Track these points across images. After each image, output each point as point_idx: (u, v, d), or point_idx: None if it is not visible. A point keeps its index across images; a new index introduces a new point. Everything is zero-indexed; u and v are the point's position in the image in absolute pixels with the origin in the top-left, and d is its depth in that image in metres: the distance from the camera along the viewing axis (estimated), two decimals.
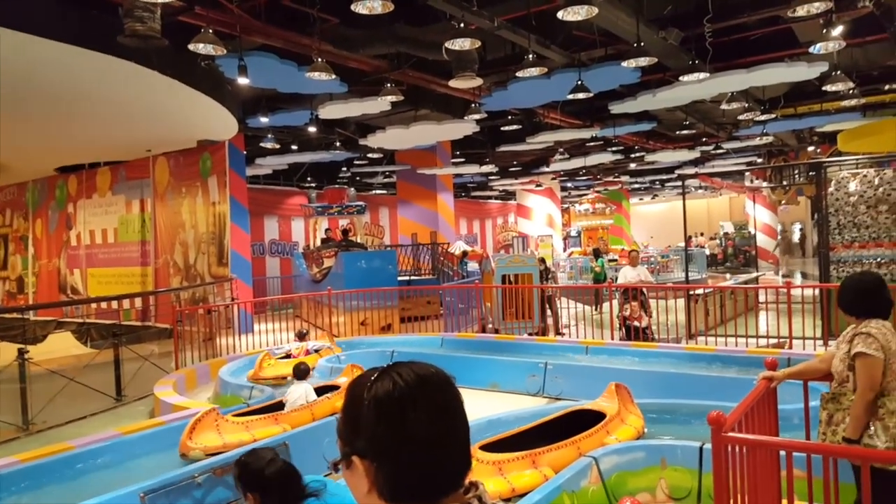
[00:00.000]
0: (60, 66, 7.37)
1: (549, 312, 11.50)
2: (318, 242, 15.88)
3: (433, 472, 0.97)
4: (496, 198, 34.07)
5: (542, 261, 12.55)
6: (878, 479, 2.73)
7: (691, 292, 10.40)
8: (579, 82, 9.66)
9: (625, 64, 8.47)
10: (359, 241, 15.59)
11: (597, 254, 17.25)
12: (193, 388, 8.55)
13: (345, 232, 15.83)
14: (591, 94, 10.23)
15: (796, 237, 33.85)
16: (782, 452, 3.11)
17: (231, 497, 4.51)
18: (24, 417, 7.43)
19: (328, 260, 14.48)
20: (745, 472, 2.97)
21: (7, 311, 16.47)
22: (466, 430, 1.04)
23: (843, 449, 3.12)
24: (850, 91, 11.47)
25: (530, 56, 8.37)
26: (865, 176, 9.16)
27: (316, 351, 8.87)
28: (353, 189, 15.84)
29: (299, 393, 6.43)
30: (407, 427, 0.95)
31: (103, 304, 13.18)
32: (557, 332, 11.42)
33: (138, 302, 14.20)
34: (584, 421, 5.18)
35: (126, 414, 7.90)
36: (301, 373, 6.65)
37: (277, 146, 14.88)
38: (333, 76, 8.30)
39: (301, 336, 9.48)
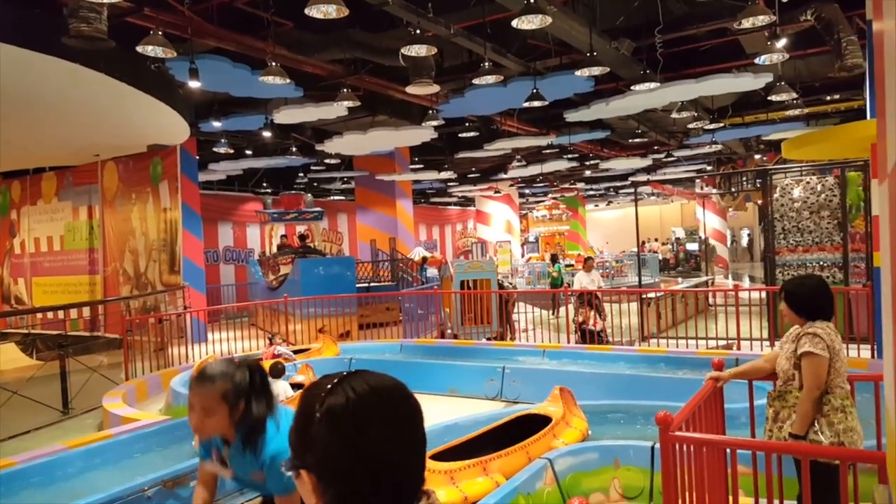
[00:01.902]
0: (1, 66, 7.12)
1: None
2: (275, 249, 15.67)
3: (386, 493, 0.92)
4: (455, 204, 34.19)
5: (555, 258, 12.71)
6: (821, 473, 2.83)
7: (644, 296, 10.61)
8: (535, 90, 9.79)
9: (578, 73, 8.62)
10: (316, 247, 15.44)
11: (554, 259, 17.48)
12: (144, 399, 8.32)
13: (302, 238, 15.65)
14: (546, 103, 10.38)
15: (744, 242, 34.91)
16: (728, 450, 3.20)
17: None
18: None
19: (284, 267, 14.29)
20: (693, 469, 3.05)
21: None
22: (423, 446, 0.99)
23: (784, 445, 3.23)
24: (794, 101, 11.91)
25: (486, 64, 8.45)
26: (808, 183, 9.48)
27: (278, 355, 8.86)
28: (309, 195, 15.68)
29: (278, 391, 6.53)
30: (359, 445, 0.90)
31: (49, 314, 12.75)
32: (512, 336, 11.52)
33: (86, 311, 13.78)
34: (531, 425, 5.23)
35: (73, 427, 7.63)
36: (277, 371, 6.87)
37: (231, 151, 14.66)
38: (288, 81, 8.22)
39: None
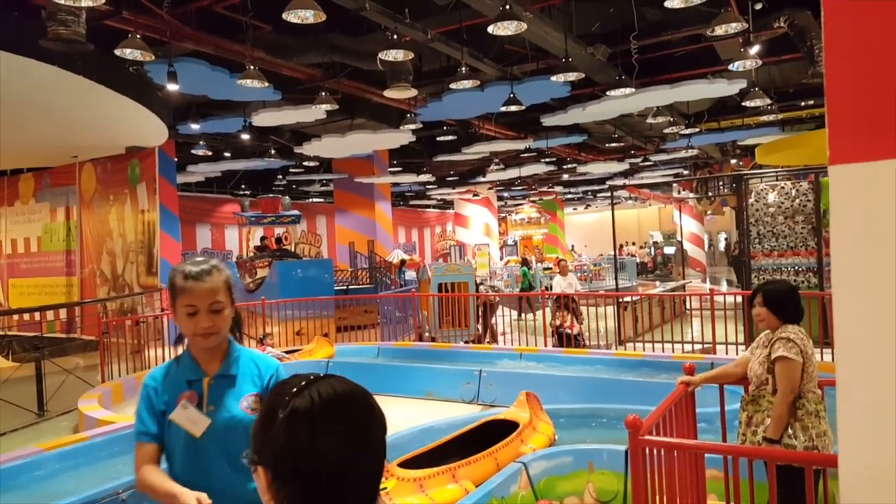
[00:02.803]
0: None
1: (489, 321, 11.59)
2: (252, 251, 15.59)
3: (337, 499, 0.92)
4: (434, 207, 34.22)
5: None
6: (794, 477, 2.85)
7: (621, 300, 10.69)
8: (511, 95, 9.85)
9: (554, 78, 8.69)
10: (293, 250, 15.38)
11: (525, 263, 17.54)
12: (120, 401, 8.23)
13: (278, 240, 15.57)
14: (523, 107, 10.44)
15: (722, 246, 35.32)
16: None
17: None
18: None
19: (261, 270, 14.22)
20: (664, 474, 3.09)
21: None
22: (382, 456, 0.99)
23: (753, 450, 3.28)
24: (769, 107, 12.08)
25: (463, 69, 8.49)
26: (783, 188, 9.60)
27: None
28: (287, 198, 15.59)
29: None
30: (317, 450, 0.91)
31: (25, 316, 12.54)
32: (493, 339, 11.56)
33: (63, 313, 13.58)
34: (498, 431, 5.23)
35: (48, 429, 7.53)
36: None
37: (210, 153, 14.56)
38: (266, 84, 8.19)
39: (261, 341, 9.43)
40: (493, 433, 5.19)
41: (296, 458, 0.91)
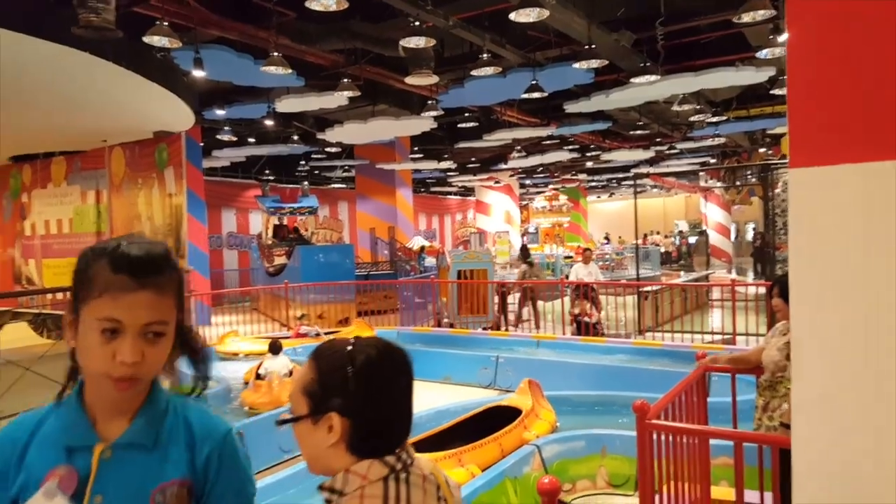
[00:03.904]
0: (13, 55, 7.24)
1: (530, 310, 11.56)
2: (270, 233, 15.87)
3: (394, 429, 1.15)
4: (455, 194, 34.24)
5: (525, 250, 12.86)
6: None
7: (641, 289, 10.69)
8: (534, 82, 9.85)
9: (577, 65, 8.68)
10: (308, 238, 15.62)
11: (524, 250, 17.51)
12: None
13: (295, 230, 15.80)
14: (546, 94, 10.42)
15: (749, 236, 34.79)
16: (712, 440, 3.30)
17: None
18: None
19: (279, 258, 14.48)
20: (674, 459, 3.16)
21: None
22: (413, 397, 1.21)
23: (761, 436, 3.34)
24: None
25: (485, 55, 8.52)
26: None
27: (304, 335, 9.11)
28: (306, 183, 15.81)
29: (279, 365, 7.03)
30: (384, 391, 1.13)
31: (59, 295, 12.92)
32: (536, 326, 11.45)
33: None
34: (501, 417, 5.32)
35: None
36: (276, 348, 7.27)
37: (234, 139, 14.77)
38: (290, 71, 8.32)
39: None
40: (495, 419, 5.28)
41: (371, 400, 1.11)
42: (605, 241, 28.91)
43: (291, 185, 21.42)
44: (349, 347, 1.15)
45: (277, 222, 16.71)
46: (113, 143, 13.82)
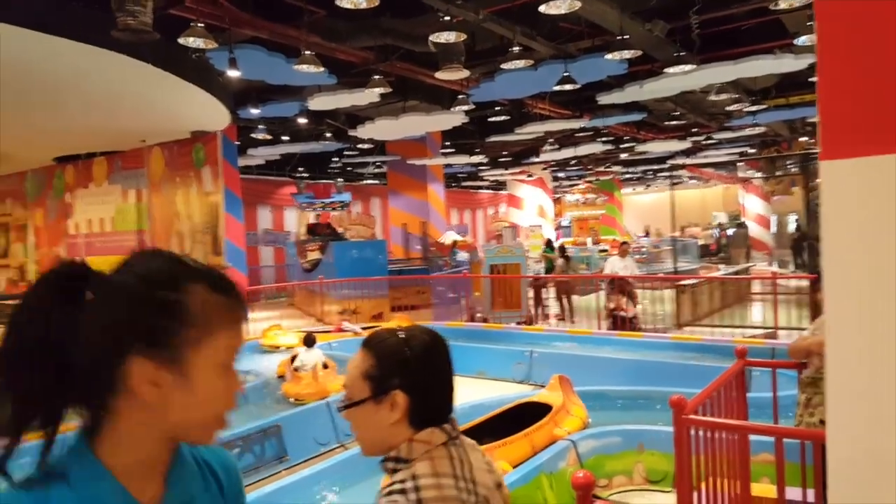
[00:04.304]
0: (57, 59, 7.49)
1: (565, 303, 11.54)
2: (305, 233, 16.12)
3: (445, 402, 1.30)
4: (487, 188, 34.15)
5: (563, 249, 12.87)
6: None
7: (679, 283, 10.55)
8: (566, 74, 9.76)
9: (609, 56, 8.58)
10: (342, 234, 15.80)
11: (548, 244, 17.39)
12: None
13: (328, 226, 15.98)
14: (578, 86, 10.32)
15: (791, 228, 33.95)
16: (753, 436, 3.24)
17: None
18: None
19: (312, 253, 14.64)
20: (712, 455, 3.12)
21: (9, 299, 16.56)
22: (454, 375, 1.36)
23: (801, 431, 3.28)
24: None
25: (516, 48, 8.47)
26: None
27: (345, 331, 9.28)
28: (340, 180, 15.96)
29: (314, 357, 7.25)
30: (437, 369, 1.28)
31: None
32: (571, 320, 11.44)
33: None
34: (532, 413, 5.30)
35: None
36: (310, 340, 7.50)
37: (269, 137, 14.96)
38: (321, 69, 8.39)
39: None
40: (525, 416, 5.26)
41: (426, 377, 1.26)
42: (644, 235, 28.52)
43: (325, 181, 21.62)
44: (401, 335, 1.29)
45: (314, 220, 16.93)
46: (152, 143, 14.14)
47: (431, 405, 1.27)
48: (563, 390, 5.62)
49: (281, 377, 7.57)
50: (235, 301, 0.98)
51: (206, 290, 0.93)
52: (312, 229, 16.04)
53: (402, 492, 1.14)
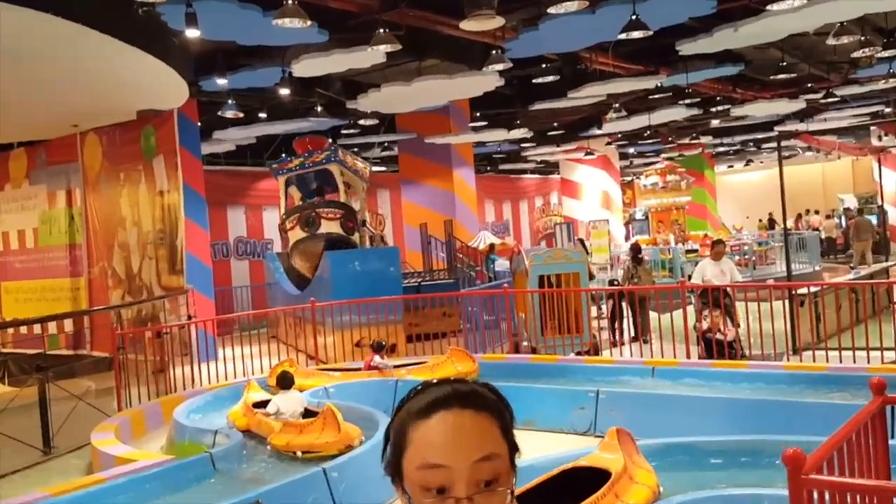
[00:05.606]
0: None
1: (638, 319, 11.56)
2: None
3: None
4: (533, 172, 34.13)
5: (637, 248, 12.89)
6: None
7: (795, 292, 10.45)
8: (634, 17, 9.75)
9: None
10: (354, 206, 15.09)
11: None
12: (142, 434, 8.82)
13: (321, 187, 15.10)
14: (651, 32, 10.30)
15: None
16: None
17: None
18: None
19: (292, 233, 14.46)
20: None
21: None
22: None
23: None
24: None
25: None
26: None
27: (375, 367, 9.45)
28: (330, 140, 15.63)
29: (293, 401, 7.43)
30: None
31: (23, 329, 13.51)
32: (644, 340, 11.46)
33: (68, 324, 14.48)
34: (584, 481, 5.12)
35: (57, 469, 8.14)
36: (287, 381, 7.60)
37: (241, 115, 15.14)
38: (309, 23, 8.49)
39: (378, 348, 9.74)
40: (574, 484, 5.17)
41: None
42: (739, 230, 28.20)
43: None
44: (482, 384, 1.35)
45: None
46: (86, 127, 14.34)
47: None
48: (623, 449, 5.55)
49: (247, 431, 7.61)
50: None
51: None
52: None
53: None
